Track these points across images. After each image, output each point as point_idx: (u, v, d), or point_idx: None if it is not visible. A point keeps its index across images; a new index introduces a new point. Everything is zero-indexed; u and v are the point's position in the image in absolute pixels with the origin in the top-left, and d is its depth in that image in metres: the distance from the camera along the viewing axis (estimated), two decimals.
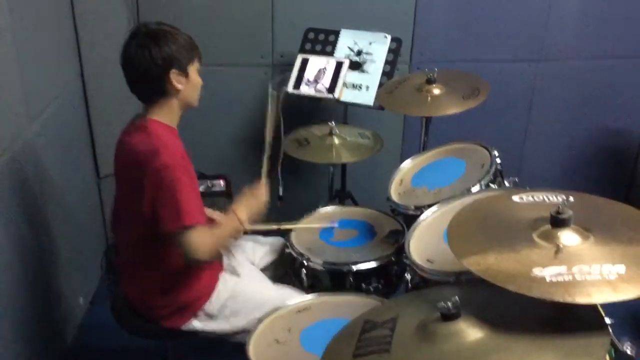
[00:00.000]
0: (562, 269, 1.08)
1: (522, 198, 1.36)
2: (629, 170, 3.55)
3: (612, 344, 1.14)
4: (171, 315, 1.88)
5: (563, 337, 1.06)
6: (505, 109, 3.31)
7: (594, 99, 3.38)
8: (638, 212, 1.27)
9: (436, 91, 2.31)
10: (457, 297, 1.13)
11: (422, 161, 2.23)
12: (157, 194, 1.67)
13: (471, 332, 1.11)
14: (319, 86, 2.75)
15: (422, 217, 1.85)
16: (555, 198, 1.32)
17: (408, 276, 1.73)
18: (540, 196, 1.35)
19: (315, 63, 2.79)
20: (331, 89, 2.72)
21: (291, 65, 2.85)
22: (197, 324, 1.89)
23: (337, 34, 2.85)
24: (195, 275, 1.86)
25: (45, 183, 2.31)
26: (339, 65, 2.75)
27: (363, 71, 2.76)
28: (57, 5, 2.57)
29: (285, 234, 2.16)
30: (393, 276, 1.98)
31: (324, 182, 2.86)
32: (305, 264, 1.98)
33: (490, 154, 2.00)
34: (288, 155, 2.53)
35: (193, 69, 1.80)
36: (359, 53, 2.78)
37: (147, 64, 1.72)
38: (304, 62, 2.81)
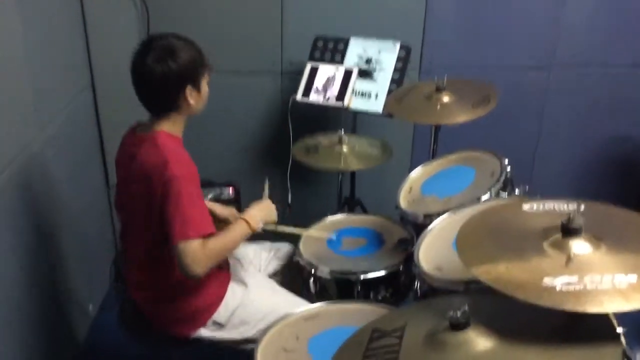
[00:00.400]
0: (573, 278, 1.07)
1: (532, 207, 1.35)
2: None
3: (624, 354, 1.12)
4: (179, 324, 1.88)
5: (574, 347, 1.05)
6: (517, 117, 3.30)
7: (607, 106, 3.35)
8: None
9: (445, 99, 2.30)
10: (466, 306, 1.12)
11: (432, 169, 2.22)
12: (164, 205, 1.67)
13: (480, 342, 1.09)
14: (328, 94, 2.75)
15: (432, 225, 1.83)
16: (566, 207, 1.31)
17: (417, 285, 1.72)
18: (550, 205, 1.34)
19: (325, 71, 2.80)
20: (340, 97, 2.72)
21: (300, 73, 2.85)
22: (205, 332, 1.89)
23: (346, 42, 2.85)
24: (204, 284, 1.86)
25: (55, 192, 2.32)
26: (348, 73, 2.76)
27: (372, 79, 2.75)
28: (68, 15, 2.60)
29: (293, 242, 2.16)
30: (402, 285, 1.97)
31: (333, 189, 2.86)
32: (313, 272, 1.97)
33: (500, 162, 1.98)
34: (296, 162, 2.52)
35: (204, 82, 1.81)
36: (368, 61, 2.78)
37: (165, 79, 1.71)
38: (313, 70, 2.82)
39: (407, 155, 3.27)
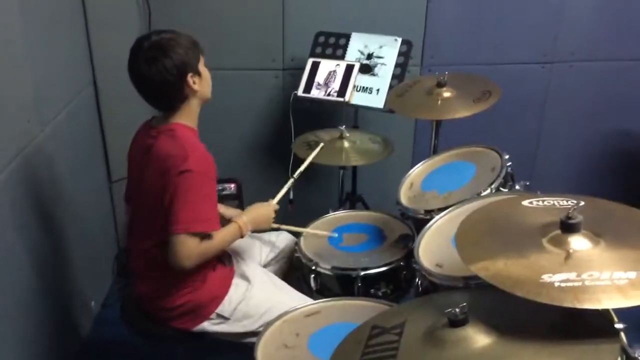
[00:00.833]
0: (572, 275, 1.07)
1: (532, 203, 1.35)
2: None
3: (623, 350, 1.12)
4: (184, 317, 1.89)
5: (572, 343, 1.05)
6: (518, 112, 3.29)
7: (608, 102, 3.35)
8: None
9: (446, 94, 2.30)
10: (465, 303, 1.12)
11: (432, 165, 2.22)
12: (174, 195, 1.69)
13: (479, 338, 1.10)
14: (330, 90, 2.74)
15: (432, 221, 1.83)
16: (565, 203, 1.31)
17: (418, 281, 1.72)
18: (550, 201, 1.34)
19: (326, 66, 2.79)
20: (341, 92, 2.72)
21: (302, 68, 2.85)
22: (209, 325, 1.90)
23: (347, 37, 2.85)
24: (209, 278, 1.88)
25: (57, 188, 2.33)
26: (349, 68, 2.75)
27: (373, 74, 2.75)
28: (70, 11, 2.59)
29: (295, 236, 2.17)
30: (402, 281, 1.97)
31: (335, 185, 2.86)
32: (314, 269, 1.97)
33: (501, 157, 1.98)
34: (298, 158, 2.53)
35: (202, 66, 1.82)
36: (369, 56, 2.78)
37: (163, 76, 1.72)
38: (315, 66, 2.81)
39: (408, 150, 3.27)
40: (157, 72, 1.71)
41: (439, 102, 2.30)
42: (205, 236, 1.75)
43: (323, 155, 2.44)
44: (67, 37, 2.55)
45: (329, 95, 2.74)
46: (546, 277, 1.08)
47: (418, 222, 1.95)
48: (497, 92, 2.26)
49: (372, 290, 1.93)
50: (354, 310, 1.72)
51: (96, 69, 2.79)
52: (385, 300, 1.81)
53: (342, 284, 1.96)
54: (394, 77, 2.71)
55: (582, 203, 1.22)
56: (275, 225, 2.03)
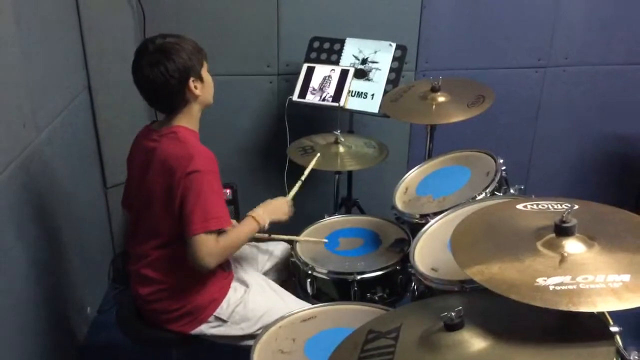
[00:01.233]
0: (567, 278, 1.08)
1: (526, 206, 1.36)
2: (639, 177, 3.53)
3: (619, 353, 1.13)
4: (182, 319, 1.89)
5: (568, 346, 1.05)
6: (512, 116, 3.30)
7: (601, 106, 3.36)
8: None
9: (441, 99, 2.31)
10: (460, 307, 1.12)
11: (427, 169, 2.22)
12: (186, 197, 1.71)
13: (475, 342, 1.10)
14: (325, 95, 2.75)
15: (427, 225, 1.84)
16: (559, 206, 1.31)
17: (414, 285, 1.73)
18: (544, 204, 1.34)
19: (321, 72, 2.80)
20: (336, 97, 2.73)
21: (297, 74, 2.86)
22: (207, 328, 1.90)
23: (342, 42, 2.85)
24: (208, 281, 1.89)
25: (52, 193, 2.32)
26: (344, 73, 2.76)
27: (368, 79, 2.76)
28: (64, 17, 2.59)
29: (289, 242, 2.17)
30: (398, 285, 1.98)
31: (330, 190, 2.86)
32: (310, 273, 1.97)
33: (495, 161, 1.99)
34: (293, 163, 2.53)
35: (205, 71, 1.84)
36: (364, 61, 2.79)
37: (165, 80, 1.74)
38: (310, 71, 2.82)
39: (403, 155, 3.28)
40: (160, 74, 1.73)
41: (434, 106, 2.31)
42: (220, 233, 1.76)
43: (319, 161, 2.45)
44: (62, 43, 2.55)
45: (324, 100, 2.75)
46: (541, 281, 1.08)
47: (413, 227, 1.96)
48: (491, 96, 2.27)
49: (368, 295, 1.93)
50: (350, 315, 1.72)
51: (91, 74, 2.79)
52: (381, 305, 1.81)
53: (338, 288, 1.96)
54: (388, 82, 2.72)
55: (576, 207, 1.23)
56: (266, 236, 2.06)
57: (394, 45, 2.75)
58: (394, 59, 2.74)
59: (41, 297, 2.15)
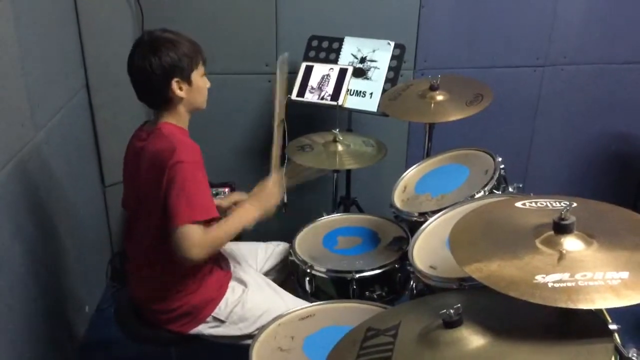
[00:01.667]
0: (565, 275, 1.08)
1: (525, 204, 1.36)
2: (637, 175, 3.53)
3: (617, 350, 1.13)
4: (180, 320, 1.89)
5: (566, 343, 1.06)
6: (511, 115, 3.31)
7: (600, 104, 3.37)
8: None
9: (439, 97, 2.31)
10: (459, 304, 1.12)
11: (426, 168, 2.23)
12: (170, 189, 1.69)
13: (474, 339, 1.10)
14: (323, 93, 2.75)
15: (426, 224, 1.84)
16: (558, 204, 1.32)
17: (413, 283, 1.73)
18: (543, 202, 1.34)
19: (319, 70, 2.80)
20: (335, 96, 2.73)
21: (295, 73, 2.85)
22: (205, 328, 1.90)
23: (340, 41, 2.85)
24: (205, 281, 1.88)
25: (51, 192, 2.32)
26: (342, 72, 2.76)
27: (367, 78, 2.76)
28: (62, 16, 2.59)
29: (288, 241, 2.17)
30: (397, 283, 1.98)
31: (329, 188, 2.86)
32: (309, 271, 1.98)
33: (494, 160, 1.99)
34: (291, 161, 2.53)
35: (197, 75, 1.82)
36: (362, 60, 2.79)
37: (149, 74, 1.74)
38: (308, 70, 2.82)
39: (402, 153, 3.28)
40: (144, 68, 1.73)
41: (432, 105, 2.31)
42: (207, 224, 1.73)
43: (316, 159, 2.45)
44: (60, 41, 2.54)
45: (322, 99, 2.75)
46: (540, 278, 1.08)
47: (412, 225, 1.96)
48: (489, 95, 2.27)
49: (366, 293, 1.94)
50: (349, 313, 1.72)
51: (89, 73, 2.79)
52: (380, 303, 1.81)
53: (337, 286, 1.96)
54: (387, 80, 2.72)
55: (575, 204, 1.23)
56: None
57: (392, 44, 2.75)
58: (393, 57, 2.74)
59: (39, 296, 2.15)
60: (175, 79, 1.76)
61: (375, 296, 1.93)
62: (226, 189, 3.00)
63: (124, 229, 2.01)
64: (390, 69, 2.73)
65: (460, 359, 1.08)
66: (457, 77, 2.47)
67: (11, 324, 1.91)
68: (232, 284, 1.96)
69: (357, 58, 2.80)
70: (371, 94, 2.72)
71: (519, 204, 1.36)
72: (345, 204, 2.95)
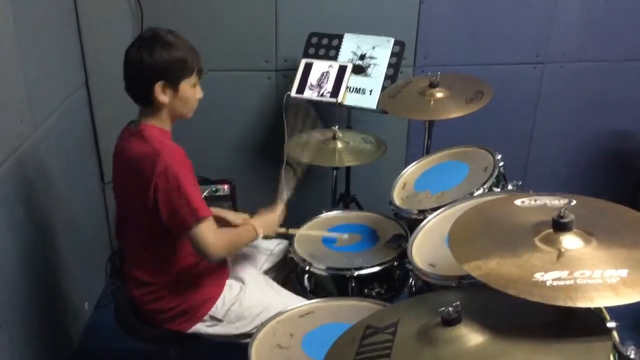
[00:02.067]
0: (564, 273, 1.08)
1: (524, 202, 1.36)
2: (636, 172, 3.53)
3: (616, 348, 1.13)
4: (177, 319, 1.89)
5: (565, 341, 1.05)
6: (510, 112, 3.30)
7: (600, 102, 3.36)
8: None
9: (439, 95, 2.31)
10: (458, 302, 1.12)
11: (425, 165, 2.23)
12: (167, 195, 1.68)
13: (472, 337, 1.10)
14: (323, 90, 2.75)
15: (425, 221, 1.84)
16: (557, 202, 1.31)
17: (412, 280, 1.73)
18: (542, 200, 1.34)
19: (319, 67, 2.80)
20: (334, 93, 2.72)
21: (295, 70, 2.85)
22: (202, 327, 1.90)
23: (340, 38, 2.85)
24: (202, 280, 1.88)
25: (50, 189, 2.32)
26: (342, 69, 2.75)
27: (366, 75, 2.75)
28: (62, 13, 2.59)
29: (288, 238, 2.17)
30: (396, 281, 1.98)
31: (328, 186, 2.86)
32: (308, 269, 1.97)
33: (493, 157, 1.99)
34: (291, 159, 2.53)
35: (186, 84, 1.76)
36: (362, 57, 2.78)
37: (136, 71, 1.73)
38: (308, 67, 2.81)
39: (401, 151, 3.27)
40: (133, 62, 1.72)
41: (432, 102, 2.31)
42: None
43: (316, 157, 2.45)
44: (60, 39, 2.54)
45: (322, 96, 2.74)
46: (538, 276, 1.08)
47: (411, 222, 1.96)
48: (489, 92, 2.27)
49: (365, 291, 1.94)
50: (348, 311, 1.73)
51: (88, 71, 2.79)
52: (379, 300, 1.81)
53: (336, 284, 1.96)
54: (386, 77, 2.71)
55: (574, 202, 1.23)
56: (281, 230, 2.08)
57: (392, 40, 2.75)
58: (392, 54, 2.73)
59: (38, 293, 2.15)
60: (160, 82, 1.71)
61: (374, 294, 1.93)
62: (225, 186, 2.99)
63: (115, 226, 1.99)
64: (389, 66, 2.72)
65: (459, 356, 1.08)
66: (457, 75, 2.46)
67: (10, 321, 1.91)
68: (230, 281, 1.96)
69: (356, 55, 2.80)
70: (371, 91, 2.72)
71: (518, 202, 1.36)
72: (345, 201, 2.95)
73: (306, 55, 2.86)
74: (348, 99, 2.73)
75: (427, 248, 1.73)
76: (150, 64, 1.70)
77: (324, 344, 1.29)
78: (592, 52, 3.25)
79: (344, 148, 2.50)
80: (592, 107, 3.37)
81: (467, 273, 1.16)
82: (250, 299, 1.91)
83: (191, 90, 1.79)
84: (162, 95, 1.74)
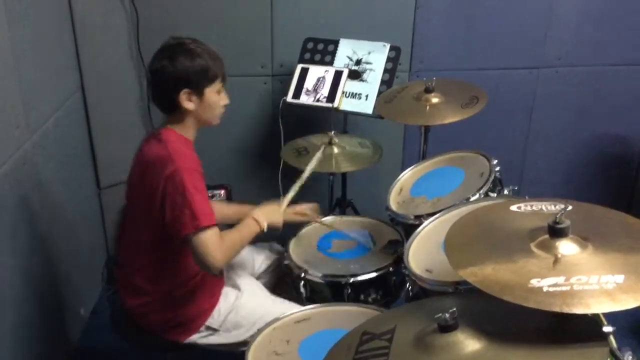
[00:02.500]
0: (560, 279, 1.08)
1: (520, 207, 1.36)
2: (632, 177, 3.54)
3: (612, 353, 1.13)
4: (172, 330, 1.88)
5: (561, 347, 1.05)
6: (506, 117, 3.31)
7: (595, 106, 3.37)
8: (637, 220, 1.26)
9: (435, 100, 2.31)
10: (454, 308, 1.12)
11: (421, 170, 2.23)
12: (171, 198, 1.68)
13: (469, 344, 1.10)
14: (319, 95, 2.75)
15: (421, 227, 1.84)
16: (553, 207, 1.31)
17: (408, 286, 1.73)
18: (538, 205, 1.34)
19: (315, 72, 2.80)
20: (330, 98, 2.72)
21: (291, 75, 2.85)
22: (198, 338, 1.89)
23: (336, 43, 2.85)
24: (198, 292, 1.87)
25: (45, 195, 2.31)
26: (338, 74, 2.76)
27: (362, 80, 2.76)
28: (57, 18, 2.58)
29: (283, 244, 2.16)
30: (392, 286, 1.97)
31: (324, 191, 2.85)
32: (304, 276, 1.97)
33: (489, 162, 1.99)
34: (287, 164, 2.53)
35: (211, 90, 1.80)
36: (358, 62, 2.78)
37: (160, 80, 1.76)
38: (304, 72, 2.82)
39: (398, 156, 3.28)
40: (157, 71, 1.76)
41: (428, 107, 2.31)
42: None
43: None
44: (55, 43, 2.53)
45: (318, 101, 2.74)
46: (534, 282, 1.08)
47: (407, 228, 1.96)
48: (484, 97, 2.27)
49: (362, 297, 1.93)
50: (344, 317, 1.72)
51: (84, 75, 2.78)
52: (375, 306, 1.81)
53: (332, 290, 1.95)
54: (382, 82, 2.71)
55: (570, 207, 1.23)
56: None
57: (387, 46, 2.75)
58: (388, 59, 2.74)
59: (34, 299, 2.14)
60: (185, 90, 1.75)
61: (370, 300, 1.93)
62: (222, 191, 2.99)
63: (117, 233, 1.99)
64: (385, 71, 2.73)
65: None
66: (453, 80, 2.47)
67: (5, 327, 1.91)
68: (226, 289, 1.95)
69: (352, 60, 2.80)
70: (367, 96, 2.72)
71: (514, 208, 1.36)
72: (341, 206, 2.95)
73: (302, 60, 2.87)
74: (344, 104, 2.74)
75: (424, 253, 1.73)
76: (174, 72, 1.73)
77: (320, 350, 1.29)
78: (587, 56, 3.26)
79: (340, 153, 2.50)
80: (587, 112, 3.38)
81: (464, 279, 1.16)
82: (246, 307, 1.90)
83: (216, 97, 1.83)
84: (188, 103, 1.77)
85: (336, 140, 2.52)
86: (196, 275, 1.85)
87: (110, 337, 2.00)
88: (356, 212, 2.91)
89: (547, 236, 1.18)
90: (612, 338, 1.14)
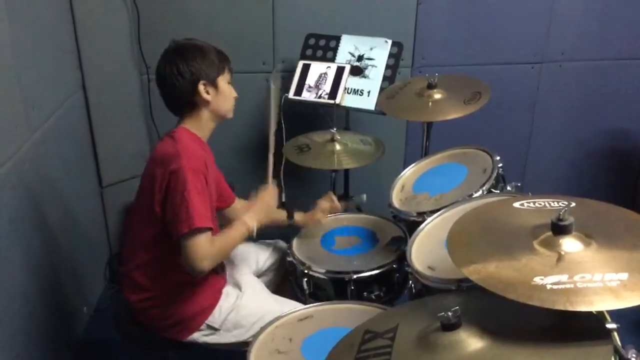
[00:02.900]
0: (564, 277, 1.07)
1: (523, 204, 1.35)
2: (636, 172, 3.53)
3: (616, 351, 1.12)
4: (173, 328, 1.87)
5: (565, 345, 1.04)
6: (509, 113, 3.30)
7: (599, 101, 3.36)
8: None
9: (437, 96, 2.30)
10: (457, 307, 1.12)
11: (424, 167, 2.22)
12: (174, 197, 1.69)
13: (472, 342, 1.09)
14: (320, 92, 2.74)
15: (424, 224, 1.83)
16: (556, 204, 1.30)
17: (411, 283, 1.72)
18: (541, 202, 1.33)
19: (317, 69, 2.79)
20: (332, 94, 2.71)
21: (292, 71, 2.84)
22: (199, 336, 1.88)
23: (338, 39, 2.84)
24: (199, 289, 1.86)
25: (47, 193, 2.31)
26: (340, 70, 2.75)
27: (364, 76, 2.75)
28: (58, 17, 2.58)
29: (287, 240, 2.16)
30: (395, 283, 1.97)
31: (327, 187, 2.85)
32: (307, 272, 1.97)
33: (492, 158, 1.98)
34: (289, 161, 2.52)
35: (223, 80, 1.84)
36: (360, 58, 2.77)
37: (175, 79, 1.77)
38: (305, 68, 2.81)
39: (400, 152, 3.27)
40: (171, 73, 1.77)
41: (430, 103, 2.30)
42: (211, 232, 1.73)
43: (314, 159, 2.44)
44: (56, 42, 2.53)
45: (320, 97, 2.74)
46: (538, 280, 1.07)
47: (410, 225, 1.95)
48: (487, 93, 2.26)
49: (365, 293, 1.93)
50: (347, 314, 1.72)
51: (85, 74, 2.78)
52: (378, 304, 1.80)
53: (334, 287, 1.95)
54: (384, 78, 2.71)
55: (573, 204, 1.22)
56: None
57: (389, 41, 2.74)
58: (390, 55, 2.73)
59: (37, 297, 2.14)
60: (202, 82, 1.79)
61: (373, 297, 1.92)
62: None
63: (123, 229, 2.00)
64: (387, 67, 2.72)
65: None
66: (455, 75, 2.46)
67: (9, 325, 1.91)
68: (227, 288, 1.94)
69: (354, 56, 2.79)
70: (369, 92, 2.71)
71: (517, 204, 1.35)
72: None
73: (304, 56, 2.86)
74: (346, 100, 2.73)
75: (426, 251, 1.72)
76: (188, 69, 1.77)
77: (323, 349, 1.28)
78: (590, 51, 3.24)
79: (343, 150, 2.50)
80: (591, 107, 3.37)
81: (467, 276, 1.15)
82: (247, 307, 1.89)
83: (228, 87, 1.87)
84: (206, 95, 1.81)
85: (338, 136, 2.52)
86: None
87: (113, 335, 2.00)
88: (358, 209, 2.90)
89: (550, 233, 1.17)
90: (616, 335, 1.13)
